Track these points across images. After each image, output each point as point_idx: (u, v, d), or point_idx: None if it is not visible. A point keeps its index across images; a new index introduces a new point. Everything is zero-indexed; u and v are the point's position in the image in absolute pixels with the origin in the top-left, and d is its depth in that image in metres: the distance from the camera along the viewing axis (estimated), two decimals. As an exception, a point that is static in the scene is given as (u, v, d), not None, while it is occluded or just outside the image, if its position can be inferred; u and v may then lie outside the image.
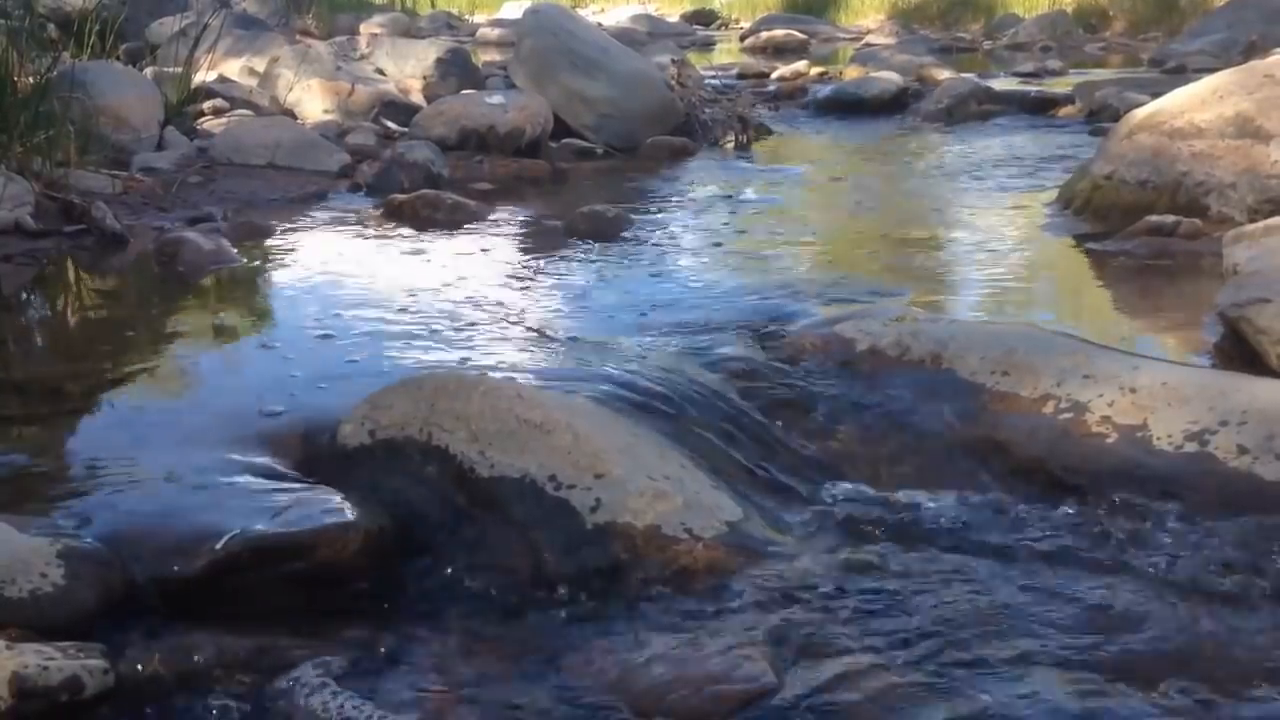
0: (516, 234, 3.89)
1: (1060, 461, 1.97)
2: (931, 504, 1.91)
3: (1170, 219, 3.49)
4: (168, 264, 3.26)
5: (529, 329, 2.68)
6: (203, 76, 5.77)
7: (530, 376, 2.25)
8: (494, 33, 13.91)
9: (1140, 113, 3.99)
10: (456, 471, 1.79)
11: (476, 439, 1.81)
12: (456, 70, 6.63)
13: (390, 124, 5.63)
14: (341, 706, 1.41)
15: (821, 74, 8.81)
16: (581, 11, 12.96)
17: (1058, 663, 1.47)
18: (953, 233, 3.90)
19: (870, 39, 14.05)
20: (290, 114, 5.63)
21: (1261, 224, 2.85)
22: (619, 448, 1.83)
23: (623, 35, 9.03)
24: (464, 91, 5.97)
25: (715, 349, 2.48)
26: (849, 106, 7.16)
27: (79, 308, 3.12)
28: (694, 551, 1.70)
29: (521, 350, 2.50)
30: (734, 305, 2.87)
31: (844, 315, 2.57)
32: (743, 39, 14.40)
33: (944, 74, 7.95)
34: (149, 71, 5.66)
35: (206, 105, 5.47)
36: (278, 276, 3.28)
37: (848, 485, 1.99)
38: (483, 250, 3.58)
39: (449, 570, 1.71)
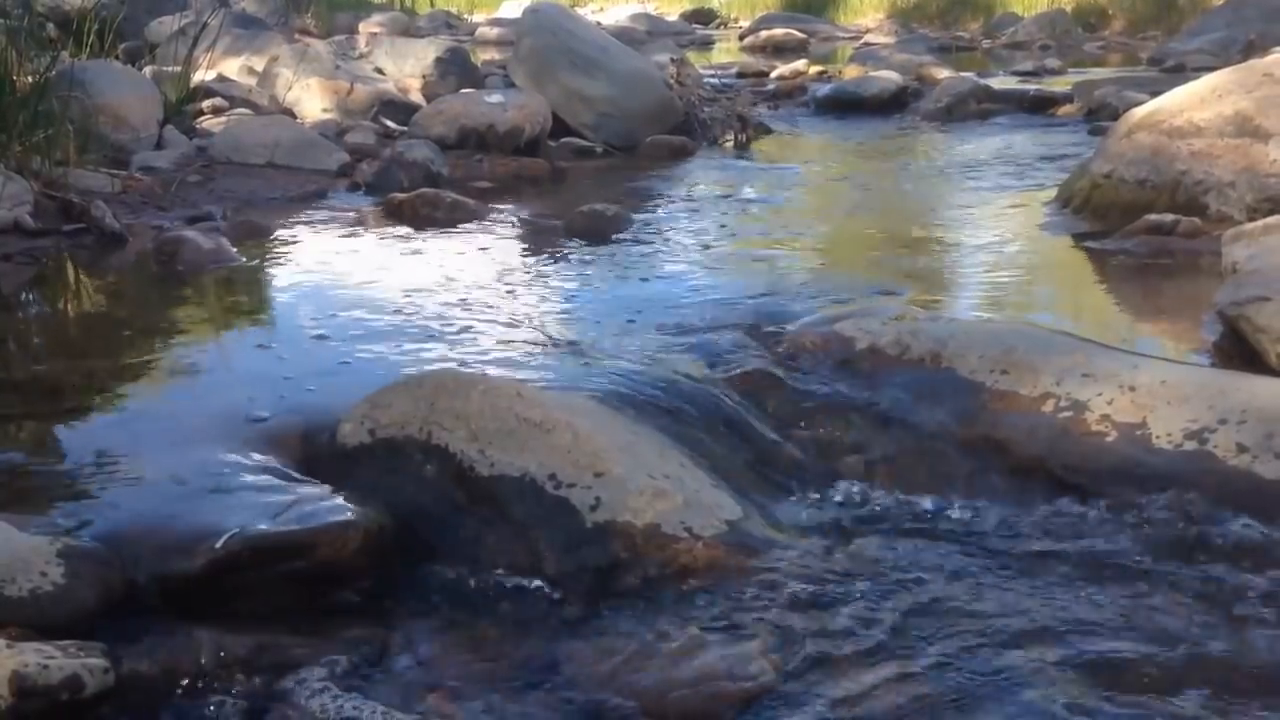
0: (516, 233, 3.89)
1: (1060, 460, 1.97)
2: (931, 503, 1.91)
3: (1169, 218, 3.49)
4: (167, 263, 3.26)
5: (528, 328, 2.68)
6: (202, 75, 5.76)
7: (530, 375, 2.25)
8: (493, 32, 13.91)
9: (1139, 111, 3.99)
10: (456, 470, 1.79)
11: (476, 438, 1.81)
12: (456, 69, 6.63)
13: (389, 123, 5.63)
14: (341, 705, 1.41)
15: (821, 73, 8.81)
16: (581, 10, 12.97)
17: (1058, 662, 1.47)
18: (952, 231, 3.90)
19: (869, 38, 14.06)
20: (289, 113, 5.62)
21: (1260, 223, 2.86)
22: (619, 446, 1.83)
23: (622, 34, 9.03)
24: (463, 90, 5.97)
25: (715, 347, 2.48)
26: (848, 105, 7.16)
27: (78, 307, 3.12)
28: (694, 550, 1.70)
29: (521, 349, 2.50)
30: (733, 304, 2.86)
31: (843, 314, 2.57)
32: (742, 38, 14.39)
33: (943, 73, 7.95)
34: (148, 70, 5.65)
35: (205, 104, 5.47)
36: (277, 276, 3.28)
37: (847, 484, 1.99)
38: (482, 249, 3.58)
39: (449, 569, 1.71)
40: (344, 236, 3.75)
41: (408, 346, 2.50)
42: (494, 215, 4.09)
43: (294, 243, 3.66)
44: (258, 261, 3.41)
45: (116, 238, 3.53)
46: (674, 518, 1.73)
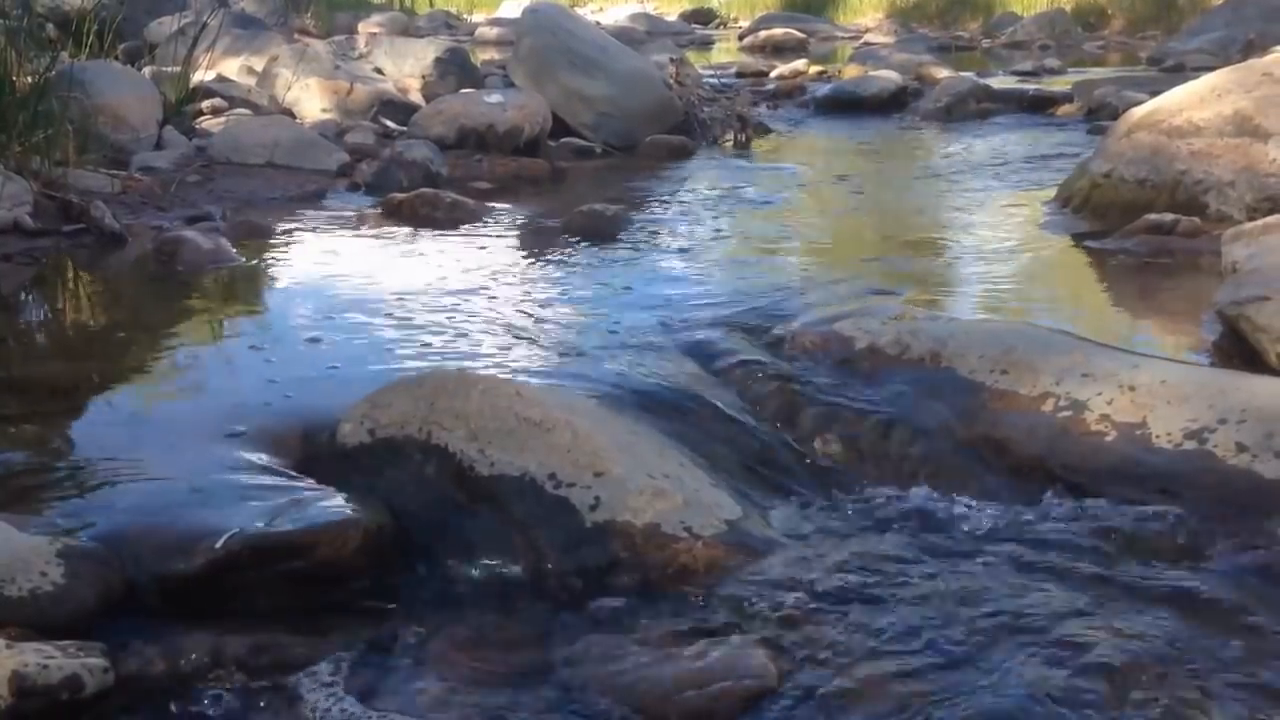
0: (515, 233, 3.89)
1: (1059, 460, 1.97)
2: (930, 502, 1.91)
3: (1169, 217, 3.49)
4: (166, 263, 3.26)
5: (528, 328, 2.68)
6: (201, 76, 5.76)
7: (529, 375, 2.26)
8: (492, 32, 13.91)
9: (1139, 111, 3.99)
10: (456, 470, 1.79)
11: (476, 437, 1.81)
12: (455, 69, 6.63)
13: (389, 123, 5.62)
14: (341, 705, 1.41)
15: (820, 73, 8.81)
16: (580, 10, 12.97)
17: (1058, 663, 1.47)
18: (951, 231, 3.90)
19: (869, 38, 14.06)
20: (289, 113, 5.62)
21: (1260, 222, 2.86)
22: (618, 446, 1.83)
23: (621, 34, 9.04)
24: (463, 90, 5.97)
25: (714, 347, 2.48)
26: (848, 105, 7.16)
27: (78, 307, 3.12)
28: (693, 550, 1.70)
29: (520, 349, 2.50)
30: (733, 303, 2.86)
31: (843, 313, 2.57)
32: (741, 38, 14.40)
33: (943, 73, 7.95)
34: (147, 71, 5.65)
35: (205, 104, 5.46)
36: (277, 276, 3.28)
37: (847, 483, 2.00)
38: (481, 249, 3.58)
39: (448, 569, 1.71)
40: (343, 236, 3.75)
41: (407, 346, 2.51)
42: (493, 215, 4.09)
43: (293, 243, 3.66)
44: (257, 262, 3.41)
45: (116, 238, 3.53)
46: (674, 517, 1.73)
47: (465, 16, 18.13)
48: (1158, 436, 1.93)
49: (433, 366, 2.31)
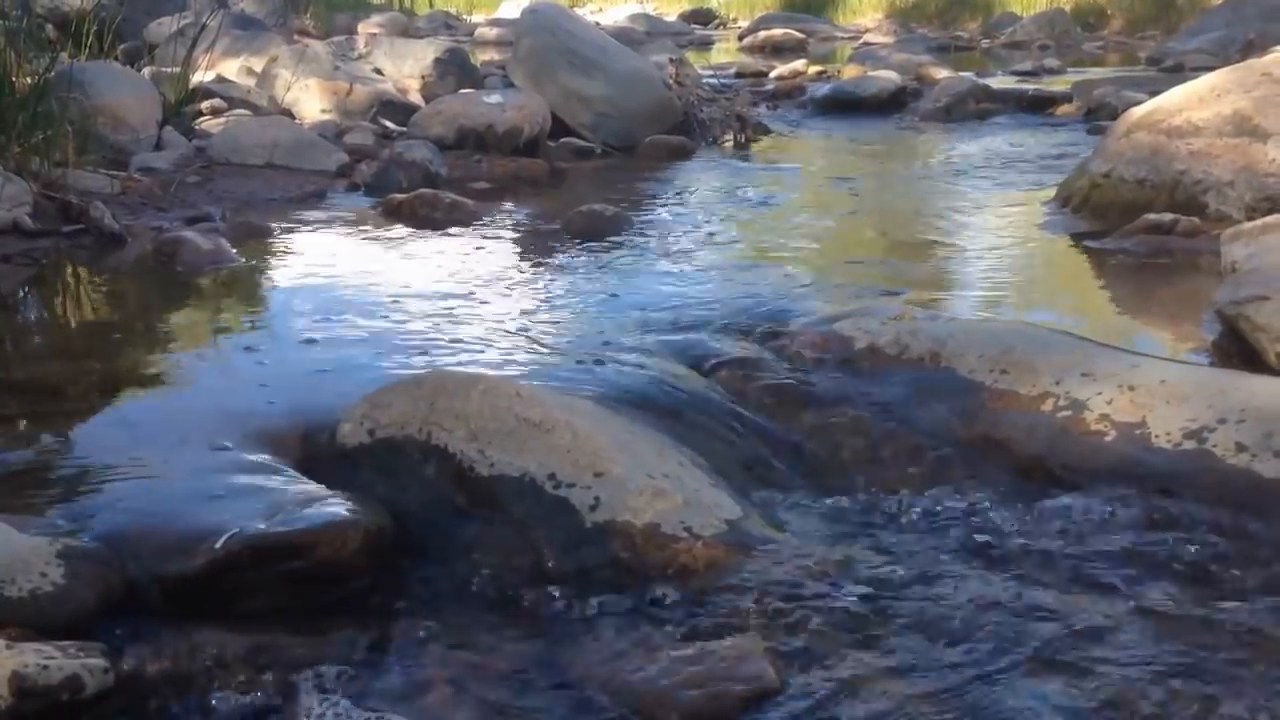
0: (515, 233, 3.89)
1: (1059, 459, 1.97)
2: (930, 502, 1.91)
3: (1168, 217, 3.49)
4: (166, 264, 3.26)
5: (527, 328, 2.68)
6: (201, 76, 5.76)
7: (529, 375, 2.26)
8: (492, 32, 13.91)
9: (1138, 111, 3.99)
10: (456, 470, 1.79)
11: (476, 438, 1.81)
12: (455, 70, 6.63)
13: (388, 123, 5.63)
14: (340, 706, 1.41)
15: (820, 73, 8.81)
16: (579, 11, 12.97)
17: (1057, 664, 1.47)
18: (951, 231, 3.90)
19: (868, 38, 14.06)
20: (288, 114, 5.62)
21: (1259, 222, 2.86)
22: (618, 446, 1.83)
23: (621, 34, 9.04)
24: (462, 91, 5.97)
25: (714, 347, 2.48)
26: (847, 105, 7.16)
27: (77, 308, 3.12)
28: (693, 550, 1.70)
29: (520, 349, 2.50)
30: (732, 303, 2.87)
31: (843, 313, 2.57)
32: (741, 38, 14.40)
33: (942, 73, 7.95)
34: (147, 71, 5.65)
35: (204, 105, 5.47)
36: (276, 276, 3.28)
37: (846, 483, 2.00)
38: (481, 250, 3.58)
39: (448, 569, 1.71)
40: (343, 237, 3.75)
41: (407, 346, 2.50)
42: (493, 216, 4.10)
43: (293, 243, 3.66)
44: (257, 262, 3.41)
45: (115, 238, 3.53)
46: (673, 517, 1.73)
47: (465, 17, 18.13)
48: (1157, 436, 1.93)
49: (433, 367, 2.31)
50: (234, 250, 3.37)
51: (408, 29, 13.35)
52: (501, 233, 3.86)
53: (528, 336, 2.61)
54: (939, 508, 1.89)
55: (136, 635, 1.49)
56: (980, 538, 1.79)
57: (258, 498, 1.71)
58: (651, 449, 1.89)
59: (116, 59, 5.70)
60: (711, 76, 7.32)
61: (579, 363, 2.38)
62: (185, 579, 1.56)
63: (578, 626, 1.59)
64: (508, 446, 1.80)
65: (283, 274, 3.30)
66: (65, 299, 3.20)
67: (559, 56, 5.70)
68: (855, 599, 1.62)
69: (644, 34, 13.71)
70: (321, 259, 3.44)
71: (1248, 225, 2.87)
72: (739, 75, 9.07)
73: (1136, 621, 1.56)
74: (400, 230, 3.83)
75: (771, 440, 2.12)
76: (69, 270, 3.35)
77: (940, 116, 6.77)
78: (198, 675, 1.45)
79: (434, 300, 2.90)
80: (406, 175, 4.43)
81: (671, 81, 6.09)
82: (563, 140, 5.51)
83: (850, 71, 8.46)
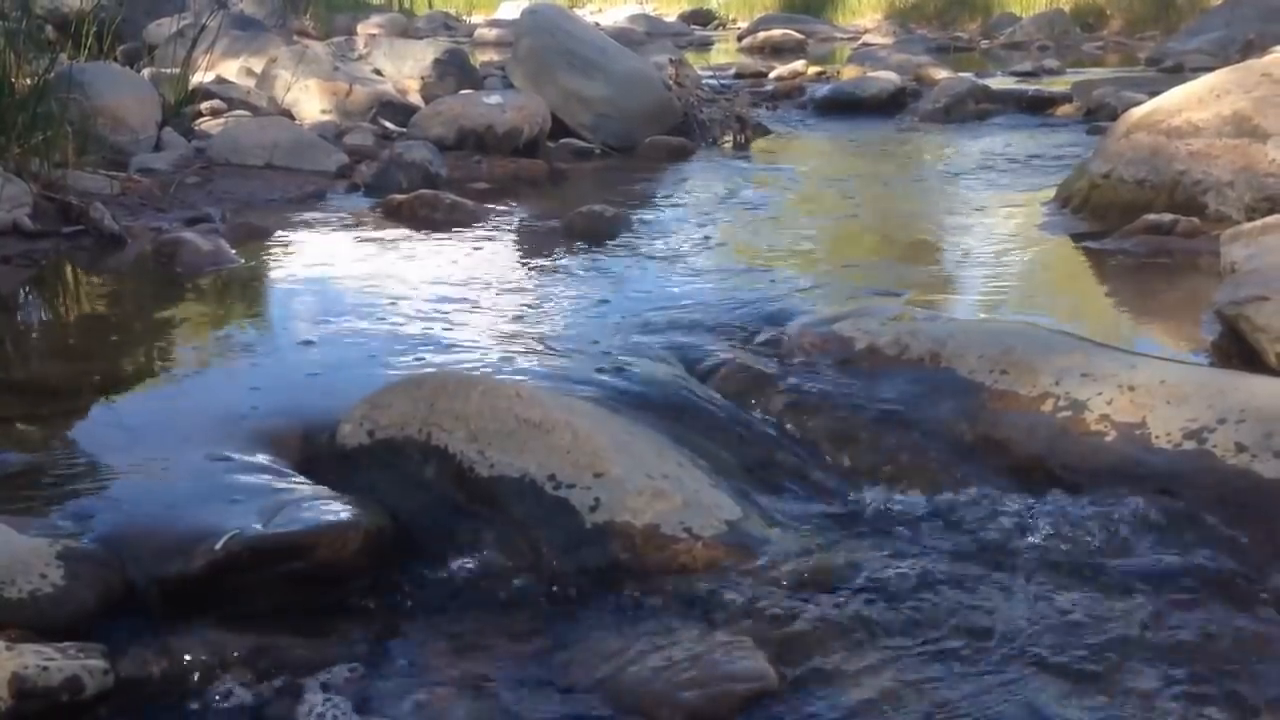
0: (514, 234, 3.89)
1: (1059, 459, 1.97)
2: (930, 503, 1.91)
3: (1168, 217, 3.49)
4: (166, 265, 3.26)
5: (527, 329, 2.68)
6: (200, 77, 5.76)
7: (529, 376, 2.26)
8: (491, 33, 13.91)
9: (1138, 111, 3.99)
10: (456, 471, 1.79)
11: (476, 438, 1.81)
12: (454, 70, 6.63)
13: (388, 124, 5.63)
14: (340, 707, 1.41)
15: (819, 74, 8.81)
16: (579, 11, 12.97)
17: (1057, 664, 1.47)
18: (951, 231, 3.90)
19: (868, 38, 14.06)
20: (288, 114, 5.62)
21: (1259, 222, 2.86)
22: (618, 446, 1.83)
23: (620, 35, 9.04)
24: (462, 92, 5.97)
25: (714, 347, 2.48)
26: (847, 106, 7.16)
27: (77, 308, 3.12)
28: (693, 550, 1.70)
29: (520, 350, 2.50)
30: (732, 304, 2.87)
31: (842, 314, 2.57)
32: (740, 39, 14.39)
33: (941, 73, 7.95)
34: (147, 72, 5.65)
35: (204, 106, 5.47)
36: (276, 277, 3.28)
37: (846, 484, 2.00)
38: (481, 250, 3.58)
39: (448, 570, 1.71)
40: (342, 238, 3.75)
41: (407, 347, 2.51)
42: (493, 216, 4.10)
43: (293, 244, 3.66)
44: (256, 263, 3.41)
45: (115, 239, 3.53)
46: (673, 518, 1.73)
47: (464, 18, 18.14)
48: (1157, 436, 1.93)
49: (433, 368, 2.31)
50: (234, 251, 3.37)
51: (407, 30, 13.36)
52: (501, 233, 3.86)
53: (528, 337, 2.61)
54: (939, 508, 1.89)
55: (136, 636, 1.49)
56: (980, 538, 1.79)
57: (258, 499, 1.71)
58: (651, 449, 1.89)
59: (116, 60, 5.70)
60: (711, 77, 7.32)
61: (579, 363, 2.38)
62: (185, 580, 1.56)
63: (578, 627, 1.59)
64: (508, 447, 1.80)
65: (282, 275, 3.30)
66: (65, 300, 3.20)
67: (559, 57, 5.70)
68: (855, 599, 1.62)
69: (643, 35, 13.72)
70: (321, 260, 3.44)
71: (1247, 226, 2.87)
72: (738, 76, 9.07)
73: (1137, 622, 1.56)
74: (400, 231, 3.83)
75: (771, 441, 2.12)
76: (69, 271, 3.35)
77: (940, 117, 6.78)
78: (198, 676, 1.45)
79: (434, 301, 2.90)
80: (406, 176, 4.43)
81: (671, 82, 6.09)
82: (562, 141, 5.51)
83: (850, 72, 8.46)
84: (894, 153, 5.84)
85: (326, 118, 5.58)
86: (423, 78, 6.51)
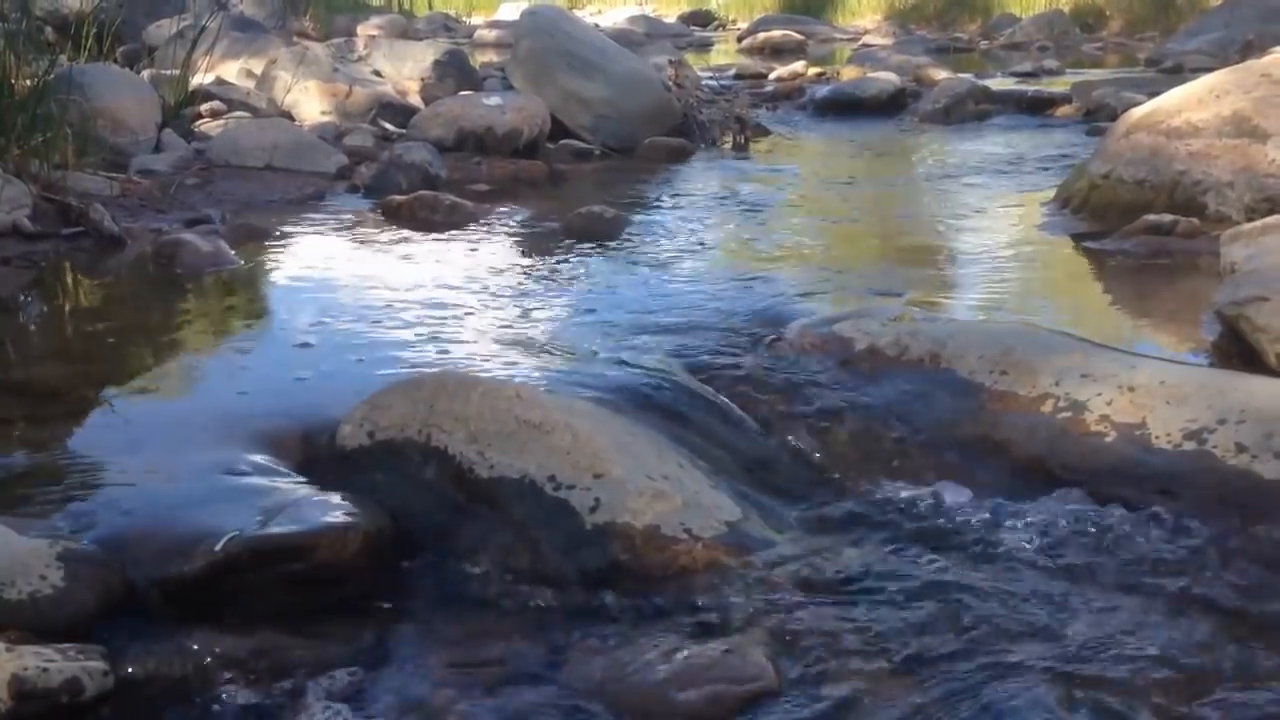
0: (514, 235, 3.89)
1: (1059, 460, 1.97)
2: (930, 504, 1.91)
3: (1168, 218, 3.49)
4: (166, 266, 3.26)
5: (527, 330, 2.68)
6: (200, 79, 5.76)
7: (529, 377, 2.26)
8: (491, 34, 13.91)
9: (1137, 112, 3.99)
10: (456, 472, 1.79)
11: (475, 439, 1.81)
12: (454, 72, 6.63)
13: (388, 125, 5.62)
14: (340, 707, 1.41)
15: (819, 74, 8.80)
16: (579, 13, 12.97)
17: (1057, 665, 1.47)
18: (950, 232, 3.90)
19: (867, 39, 14.05)
20: (288, 116, 5.62)
21: (1259, 222, 2.86)
22: (618, 447, 1.83)
23: (620, 36, 9.03)
24: (462, 93, 5.97)
25: (713, 348, 2.48)
26: (846, 107, 7.16)
27: (77, 310, 3.12)
28: (693, 551, 1.70)
29: (520, 351, 2.50)
30: (732, 305, 2.87)
31: (842, 315, 2.57)
32: (740, 40, 14.38)
33: (941, 74, 7.95)
34: (146, 74, 5.65)
35: (204, 107, 5.46)
36: (276, 278, 3.28)
37: (846, 485, 2.00)
38: (480, 252, 3.58)
39: (448, 571, 1.71)
40: (342, 239, 3.75)
41: (407, 348, 2.51)
42: (492, 217, 4.10)
43: (292, 245, 3.66)
44: (256, 264, 3.41)
45: (115, 241, 3.53)
46: (673, 519, 1.73)
47: (464, 19, 18.14)
48: (1157, 437, 1.93)
49: (432, 368, 2.31)
50: (233, 252, 3.37)
51: (407, 31, 13.35)
52: (501, 235, 3.86)
53: (527, 338, 2.61)
54: (939, 509, 1.89)
55: (136, 638, 1.49)
56: (980, 539, 1.79)
57: (257, 500, 1.71)
58: (651, 450, 1.89)
59: (116, 61, 5.70)
60: (711, 78, 7.32)
61: (579, 364, 2.38)
62: (185, 581, 1.56)
63: (577, 628, 1.59)
64: (507, 448, 1.80)
65: (282, 276, 3.30)
66: (65, 301, 3.20)
67: (558, 58, 5.70)
68: (855, 600, 1.62)
69: (643, 35, 13.72)
70: (321, 261, 3.44)
71: (1247, 226, 2.87)
72: (738, 77, 9.07)
73: (1137, 623, 1.56)
74: (400, 232, 3.83)
75: (771, 441, 2.12)
76: (68, 273, 3.35)
77: (939, 118, 6.78)
78: (198, 678, 1.45)
79: (433, 302, 2.90)
80: (406, 177, 4.43)
81: (671, 83, 6.09)
82: (562, 142, 5.51)
83: (849, 73, 8.46)
84: (894, 154, 5.84)
85: (326, 119, 5.58)
86: (422, 79, 6.51)
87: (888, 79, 7.49)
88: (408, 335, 2.61)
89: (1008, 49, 12.86)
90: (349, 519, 1.67)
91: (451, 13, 18.53)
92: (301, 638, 1.54)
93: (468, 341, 2.57)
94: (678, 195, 4.59)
